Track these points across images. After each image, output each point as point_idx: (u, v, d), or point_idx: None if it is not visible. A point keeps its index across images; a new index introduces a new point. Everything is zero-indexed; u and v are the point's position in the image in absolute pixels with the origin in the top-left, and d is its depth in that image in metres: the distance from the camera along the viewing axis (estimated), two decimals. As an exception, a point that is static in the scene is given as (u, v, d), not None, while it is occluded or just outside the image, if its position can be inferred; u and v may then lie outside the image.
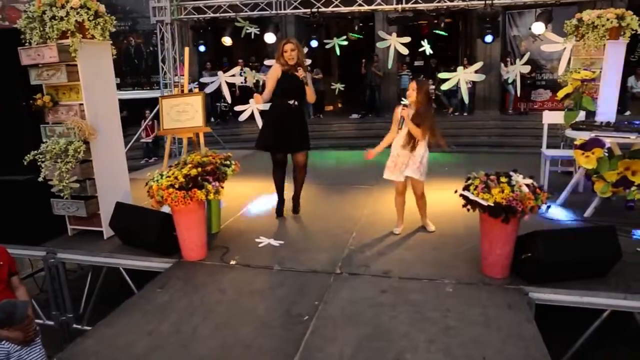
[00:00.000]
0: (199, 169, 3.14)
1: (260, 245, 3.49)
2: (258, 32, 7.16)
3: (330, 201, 4.35)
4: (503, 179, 2.63)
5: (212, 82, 7.44)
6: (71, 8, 3.25)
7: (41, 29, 3.33)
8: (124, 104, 11.12)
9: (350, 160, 6.68)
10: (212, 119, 11.52)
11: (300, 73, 3.73)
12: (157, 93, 8.34)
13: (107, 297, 3.47)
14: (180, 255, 3.28)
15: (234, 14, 7.32)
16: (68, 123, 3.37)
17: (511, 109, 11.23)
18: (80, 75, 3.41)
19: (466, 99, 6.64)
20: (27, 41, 3.39)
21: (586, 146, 3.68)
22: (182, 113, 4.29)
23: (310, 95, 3.86)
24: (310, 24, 7.02)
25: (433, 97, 11.34)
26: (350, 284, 2.85)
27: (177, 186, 2.99)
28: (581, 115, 4.60)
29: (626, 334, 3.06)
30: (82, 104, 3.46)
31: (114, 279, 3.54)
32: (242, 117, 7.08)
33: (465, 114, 11.18)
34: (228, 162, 3.65)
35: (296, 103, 3.85)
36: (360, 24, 9.77)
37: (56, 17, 3.26)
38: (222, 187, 3.21)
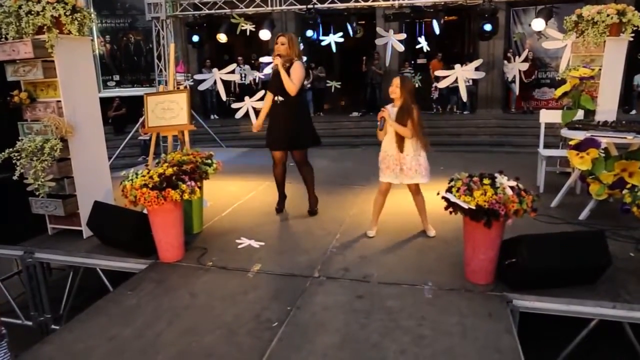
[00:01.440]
0: (175, 169, 3.05)
1: (240, 246, 3.40)
2: (253, 29, 7.07)
3: (320, 201, 4.24)
4: (486, 181, 2.51)
5: (206, 80, 7.36)
6: (47, 2, 3.17)
7: (17, 23, 3.26)
8: (123, 101, 11.22)
9: (345, 160, 6.56)
10: (212, 116, 11.48)
11: (276, 60, 3.62)
12: (155, 90, 8.32)
13: (88, 297, 3.40)
14: (157, 256, 3.20)
15: (229, 10, 7.23)
16: (45, 120, 3.30)
17: (514, 108, 11.03)
18: (58, 72, 3.33)
19: (464, 97, 6.48)
20: (4, 36, 3.33)
21: (581, 146, 3.53)
22: (167, 111, 4.21)
23: (287, 84, 3.60)
24: (306, 20, 6.90)
25: (436, 97, 11.24)
26: (327, 288, 2.74)
27: (150, 186, 2.90)
28: (580, 115, 4.44)
29: (617, 343, 2.92)
30: (59, 101, 3.39)
31: (94, 279, 3.47)
32: (239, 115, 7.00)
33: (466, 112, 11.00)
34: (209, 161, 3.57)
35: (280, 98, 3.72)
36: (362, 22, 9.66)
37: (32, 12, 3.19)
38: (199, 187, 3.11)
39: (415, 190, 3.41)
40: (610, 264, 2.58)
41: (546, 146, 4.87)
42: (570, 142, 3.65)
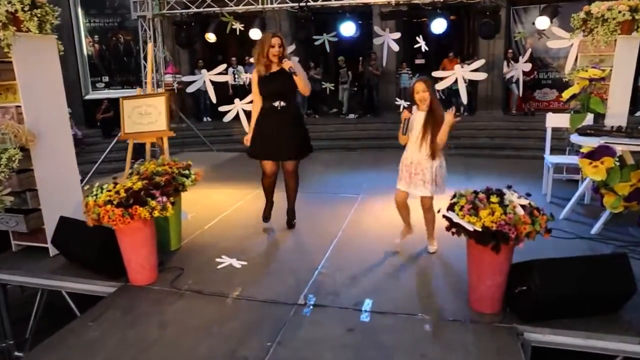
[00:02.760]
0: (144, 182, 2.73)
1: (220, 266, 3.08)
2: (242, 28, 6.75)
3: (309, 212, 3.93)
4: (494, 199, 2.20)
5: (195, 81, 7.05)
6: (3, -4, 2.85)
7: (-28, 21, 2.93)
8: (112, 103, 10.88)
9: (340, 165, 6.24)
10: (205, 118, 11.16)
11: (287, 64, 3.26)
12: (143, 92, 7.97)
13: (56, 318, 3.08)
14: (127, 278, 2.88)
15: (218, 8, 6.91)
16: (2, 128, 2.98)
17: (515, 110, 10.73)
18: (17, 74, 3.01)
19: (464, 99, 6.17)
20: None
21: (594, 155, 3.22)
22: (145, 116, 3.89)
23: (302, 86, 3.33)
24: (298, 19, 6.59)
25: (444, 98, 10.92)
26: (313, 318, 2.43)
27: (115, 202, 2.58)
28: (589, 118, 4.14)
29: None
30: (19, 106, 3.07)
31: (62, 301, 3.16)
32: (227, 118, 6.68)
33: (465, 114, 10.69)
34: (187, 172, 3.25)
35: (282, 104, 3.38)
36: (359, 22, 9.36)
37: (-13, 8, 2.87)
38: (172, 203, 2.79)
39: (427, 208, 3.05)
40: (634, 291, 2.28)
41: (551, 151, 4.56)
42: (582, 150, 3.33)
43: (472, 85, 9.90)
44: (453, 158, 6.98)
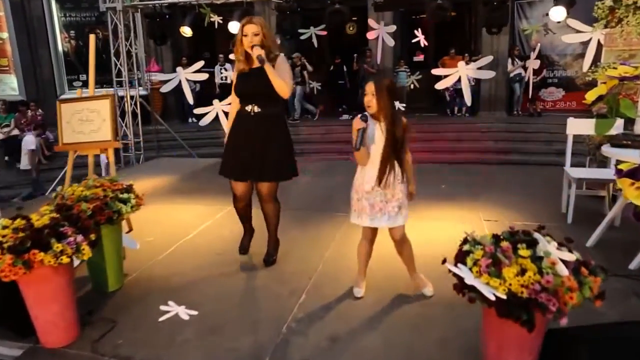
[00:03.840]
0: (52, 216, 2.06)
1: (162, 318, 2.41)
2: (221, 21, 6.08)
3: (287, 237, 3.27)
4: (523, 251, 1.53)
5: (170, 80, 6.37)
6: None
7: None
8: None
9: (330, 175, 5.55)
10: (190, 119, 10.48)
11: (255, 51, 2.55)
12: (121, 91, 7.26)
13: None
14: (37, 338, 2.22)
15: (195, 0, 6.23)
16: None
17: (519, 110, 10.07)
18: None
19: (468, 100, 5.51)
20: None
21: (638, 173, 2.56)
22: (86, 122, 3.21)
23: (277, 83, 2.60)
24: (283, 11, 5.91)
25: (448, 98, 10.26)
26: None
27: (6, 247, 1.91)
28: (619, 125, 3.48)
29: None
30: None
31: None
32: (204, 121, 6.01)
33: (467, 115, 10.04)
34: (126, 196, 2.58)
35: (256, 109, 2.71)
36: (354, 18, 8.68)
37: None
38: (92, 244, 2.12)
39: (399, 240, 2.43)
40: None
41: (559, 153, 3.90)
42: (621, 167, 2.68)
43: (474, 84, 9.25)
44: (454, 167, 6.37)
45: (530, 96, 9.51)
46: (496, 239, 1.64)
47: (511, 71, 9.69)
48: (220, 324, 2.34)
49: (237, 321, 2.36)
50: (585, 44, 9.29)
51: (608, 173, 3.65)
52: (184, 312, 2.43)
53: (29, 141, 8.50)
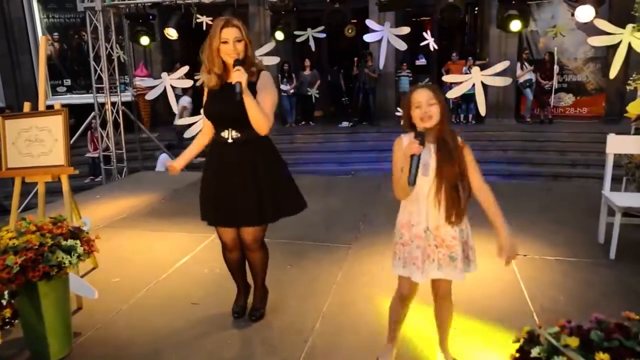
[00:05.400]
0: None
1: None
2: (211, 22, 5.54)
3: (278, 280, 2.71)
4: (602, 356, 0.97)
5: (155, 86, 5.81)
6: None
7: None
8: (73, 109, 9.59)
9: (328, 194, 4.97)
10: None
11: (235, 74, 1.95)
12: (102, 98, 6.69)
13: None
14: None
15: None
16: None
17: (529, 117, 9.57)
18: None
19: (482, 110, 4.98)
20: None
21: None
22: (34, 143, 2.65)
23: (253, 116, 2.02)
24: (277, 11, 5.37)
25: (452, 105, 9.72)
26: None
27: None
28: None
29: None
30: None
31: None
32: (189, 134, 5.45)
33: (473, 122, 9.53)
34: (70, 243, 2.02)
35: (235, 134, 2.12)
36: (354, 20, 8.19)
37: None
38: (9, 321, 1.56)
39: (443, 295, 1.86)
40: None
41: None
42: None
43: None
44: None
45: (541, 102, 9.01)
46: (585, 345, 1.08)
47: (520, 76, 9.19)
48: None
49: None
50: (598, 47, 8.68)
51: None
52: (141, 399, 1.87)
53: None
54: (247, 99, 1.99)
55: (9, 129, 2.72)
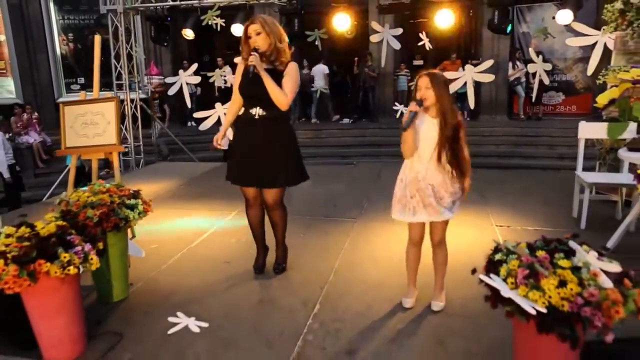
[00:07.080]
0: (58, 224, 1.96)
1: (171, 330, 2.30)
2: (223, 24, 6.00)
3: (295, 244, 3.17)
4: (563, 262, 1.45)
5: (174, 83, 6.29)
6: None
7: None
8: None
9: (333, 179, 5.48)
10: (189, 123, 10.37)
11: (252, 58, 2.45)
12: (121, 94, 7.14)
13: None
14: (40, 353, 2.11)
15: (197, 1, 6.15)
16: None
17: (521, 114, 10.06)
18: None
19: (472, 104, 5.47)
20: None
21: (660, 179, 2.50)
22: (90, 126, 3.11)
23: (277, 95, 2.51)
24: (286, 14, 5.85)
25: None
26: None
27: (10, 256, 1.81)
28: (632, 129, 3.43)
29: None
30: None
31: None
32: (204, 126, 5.91)
33: (467, 119, 10.00)
34: (133, 202, 2.48)
35: (261, 112, 2.60)
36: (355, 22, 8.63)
37: None
38: (100, 253, 2.02)
39: (438, 242, 2.34)
40: None
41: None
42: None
43: (475, 88, 9.23)
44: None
45: (534, 100, 9.48)
46: (531, 248, 1.56)
47: (511, 75, 9.69)
48: (233, 338, 2.24)
49: (251, 334, 2.26)
50: (586, 48, 9.25)
51: (621, 177, 3.60)
52: (194, 324, 2.33)
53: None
54: (265, 79, 2.49)
55: (67, 114, 3.19)
